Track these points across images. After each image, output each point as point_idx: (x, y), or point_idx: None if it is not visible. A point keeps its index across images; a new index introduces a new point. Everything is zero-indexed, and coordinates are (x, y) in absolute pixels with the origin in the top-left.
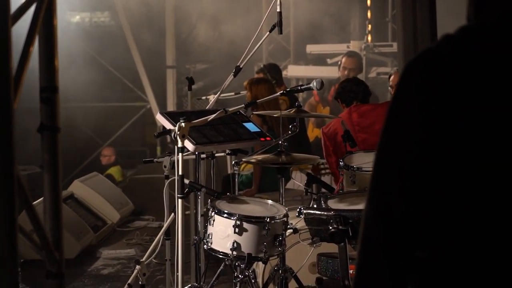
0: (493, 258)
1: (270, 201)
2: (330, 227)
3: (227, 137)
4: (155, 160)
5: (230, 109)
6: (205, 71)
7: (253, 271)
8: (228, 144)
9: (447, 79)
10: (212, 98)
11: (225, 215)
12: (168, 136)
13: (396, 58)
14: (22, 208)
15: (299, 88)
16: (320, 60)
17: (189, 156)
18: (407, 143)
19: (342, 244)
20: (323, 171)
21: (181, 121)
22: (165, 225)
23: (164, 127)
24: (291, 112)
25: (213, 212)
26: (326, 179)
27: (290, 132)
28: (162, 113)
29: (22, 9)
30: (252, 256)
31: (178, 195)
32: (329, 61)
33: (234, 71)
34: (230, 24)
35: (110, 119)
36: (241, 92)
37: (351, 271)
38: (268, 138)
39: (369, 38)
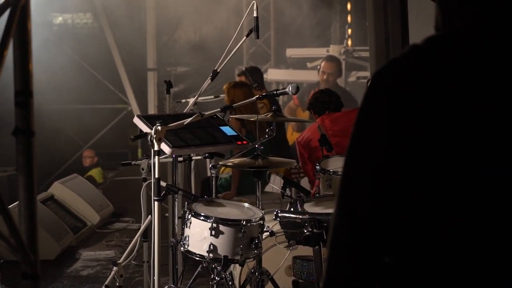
0: (459, 263)
1: (246, 204)
2: (305, 231)
3: (204, 141)
4: (133, 162)
5: (206, 113)
6: (186, 74)
7: (230, 273)
8: (205, 148)
9: (413, 88)
10: (191, 101)
11: (202, 218)
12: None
13: None
14: None
15: (275, 92)
16: (300, 64)
17: (167, 159)
18: (375, 149)
19: (317, 247)
20: (293, 176)
21: (157, 124)
22: (142, 227)
23: (141, 130)
24: (268, 116)
25: (190, 215)
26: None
27: (267, 136)
28: (139, 116)
29: None
30: (228, 258)
31: (155, 198)
32: (309, 65)
33: (211, 75)
34: (211, 28)
35: (92, 121)
36: (221, 96)
37: None
38: (244, 142)
39: (349, 42)
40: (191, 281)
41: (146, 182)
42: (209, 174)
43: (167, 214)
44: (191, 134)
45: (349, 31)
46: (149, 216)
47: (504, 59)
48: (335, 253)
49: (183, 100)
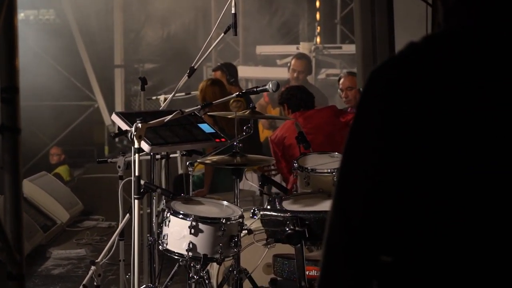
0: (455, 263)
1: (225, 202)
2: (287, 229)
3: (183, 138)
4: (109, 160)
5: (186, 110)
6: (154, 70)
7: (207, 272)
8: (184, 145)
9: (411, 87)
10: (162, 98)
11: (181, 216)
12: None
13: (345, 59)
14: None
15: (255, 89)
16: (269, 61)
17: (142, 157)
18: (372, 150)
19: (299, 245)
20: (266, 173)
21: (137, 122)
22: (120, 225)
23: (120, 128)
24: (246, 113)
25: (169, 213)
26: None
27: (244, 134)
28: (117, 114)
29: None
30: (207, 257)
31: (135, 196)
32: (278, 62)
33: (188, 71)
34: (179, 24)
35: (57, 118)
36: (192, 93)
37: (307, 272)
38: (223, 139)
39: (318, 39)
40: (168, 279)
41: (124, 180)
42: (180, 171)
43: (141, 212)
44: (170, 131)
45: (318, 28)
46: (127, 214)
47: (500, 58)
48: (331, 252)
49: (154, 97)
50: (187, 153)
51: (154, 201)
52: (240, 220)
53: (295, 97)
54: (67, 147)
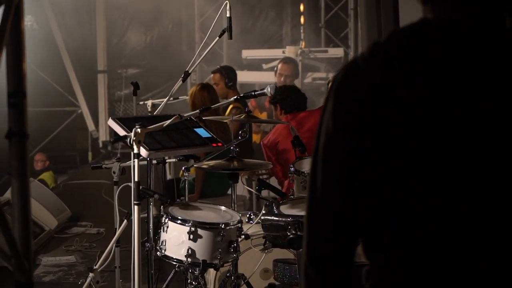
0: (441, 260)
1: (223, 207)
2: (288, 233)
3: (180, 143)
4: (104, 166)
5: (185, 114)
6: (137, 75)
7: (203, 277)
8: (181, 150)
9: (377, 83)
10: (150, 103)
11: (179, 222)
12: (100, 142)
13: (330, 63)
14: None
15: (253, 93)
16: (255, 65)
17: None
18: (343, 138)
19: (301, 250)
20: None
21: (137, 127)
22: (118, 232)
23: (116, 133)
24: (241, 117)
25: (167, 219)
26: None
27: (240, 138)
28: (114, 119)
29: None
30: (207, 262)
31: (135, 202)
32: (264, 66)
33: (182, 76)
34: (162, 29)
35: (40, 124)
36: (180, 97)
37: None
38: (219, 144)
39: (303, 43)
40: (165, 285)
41: (120, 186)
42: (169, 176)
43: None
44: (166, 136)
45: (303, 32)
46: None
47: (477, 51)
48: (312, 224)
49: (141, 102)
50: (184, 158)
51: (151, 207)
52: (239, 225)
53: (289, 98)
54: (50, 153)
